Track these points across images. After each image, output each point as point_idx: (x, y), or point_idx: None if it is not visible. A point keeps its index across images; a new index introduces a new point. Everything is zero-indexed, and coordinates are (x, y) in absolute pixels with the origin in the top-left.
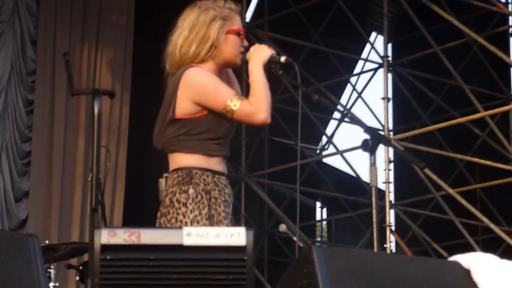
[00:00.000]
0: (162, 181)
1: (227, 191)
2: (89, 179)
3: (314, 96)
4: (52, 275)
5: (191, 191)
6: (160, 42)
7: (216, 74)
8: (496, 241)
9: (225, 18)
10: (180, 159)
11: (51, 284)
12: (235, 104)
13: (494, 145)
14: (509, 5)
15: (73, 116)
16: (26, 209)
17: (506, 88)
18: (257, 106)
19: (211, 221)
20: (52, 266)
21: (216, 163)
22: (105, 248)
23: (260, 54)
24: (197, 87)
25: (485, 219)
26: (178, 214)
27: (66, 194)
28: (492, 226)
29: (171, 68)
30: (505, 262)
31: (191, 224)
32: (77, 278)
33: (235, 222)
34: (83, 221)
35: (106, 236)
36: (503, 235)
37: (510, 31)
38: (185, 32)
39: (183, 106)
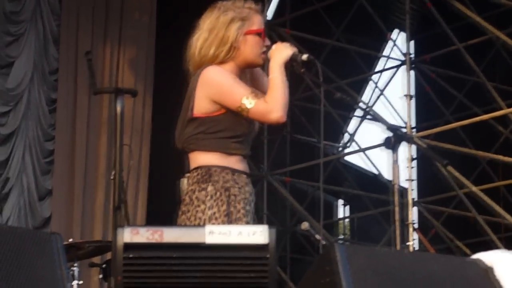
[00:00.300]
0: (183, 181)
1: (248, 189)
2: (112, 177)
3: (336, 94)
4: (76, 273)
5: (209, 188)
6: (182, 41)
7: (237, 75)
8: None
9: (244, 18)
10: (199, 158)
11: (75, 282)
12: (250, 102)
13: None
14: None
15: (95, 114)
16: (50, 207)
17: None
18: (272, 105)
19: (230, 218)
20: (75, 264)
21: (236, 162)
22: (128, 246)
23: (282, 52)
24: (214, 85)
25: (508, 217)
26: (197, 211)
27: (89, 192)
28: None
29: (193, 69)
30: None
31: (209, 221)
32: (100, 276)
33: (258, 220)
34: (106, 220)
35: (129, 235)
36: None
37: None
38: (205, 34)
39: (201, 104)
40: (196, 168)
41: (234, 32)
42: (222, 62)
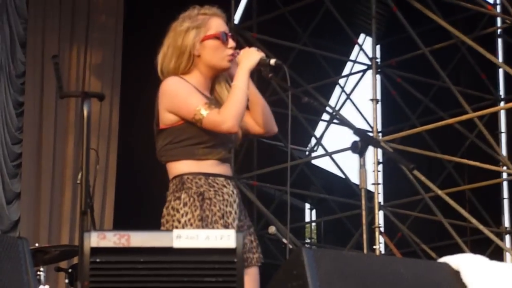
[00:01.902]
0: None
1: (227, 191)
2: (78, 181)
3: (303, 98)
4: (42, 278)
5: (183, 196)
6: (150, 44)
7: (203, 83)
8: (485, 242)
9: (199, 26)
10: (172, 169)
11: (41, 287)
12: (202, 113)
13: (483, 146)
14: (497, 6)
15: (62, 118)
16: (18, 210)
17: (494, 89)
18: (224, 115)
19: (205, 222)
20: (42, 269)
21: (210, 166)
22: (95, 251)
23: (249, 58)
24: (169, 96)
25: (473, 220)
26: (173, 221)
27: (56, 196)
28: (481, 227)
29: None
30: (494, 263)
31: (184, 228)
32: (67, 281)
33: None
34: (73, 224)
35: (96, 239)
36: (491, 236)
37: (498, 32)
38: (164, 49)
39: (164, 116)
40: (172, 179)
41: (190, 41)
42: (186, 73)
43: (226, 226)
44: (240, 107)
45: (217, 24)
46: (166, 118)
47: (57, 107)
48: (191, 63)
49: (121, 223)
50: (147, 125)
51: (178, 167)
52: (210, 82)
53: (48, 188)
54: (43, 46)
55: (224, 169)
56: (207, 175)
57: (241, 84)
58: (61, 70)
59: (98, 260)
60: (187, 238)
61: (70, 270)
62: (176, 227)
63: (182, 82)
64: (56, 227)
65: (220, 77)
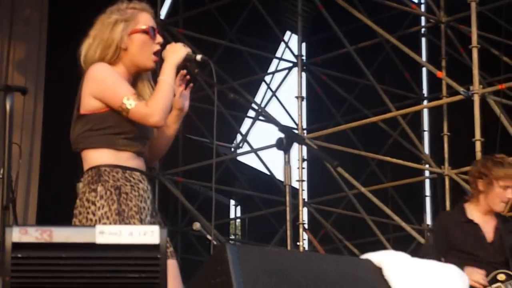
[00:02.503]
0: (79, 185)
1: (142, 186)
2: (0, 176)
3: (229, 95)
4: None
5: (99, 188)
6: (75, 38)
7: (127, 78)
8: (407, 239)
9: (128, 19)
10: (89, 158)
11: None
12: (130, 103)
13: (406, 144)
14: (422, 6)
15: None
16: None
17: (417, 88)
18: (152, 108)
19: (121, 216)
20: None
21: (127, 159)
22: (17, 246)
23: (175, 53)
24: (97, 82)
25: (396, 218)
26: (88, 213)
27: None
28: (403, 224)
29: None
30: (416, 260)
31: (100, 221)
32: None
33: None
34: None
35: (17, 234)
36: (413, 233)
37: (422, 32)
38: (89, 40)
39: (87, 102)
40: (88, 170)
41: (118, 34)
42: (110, 64)
43: (141, 221)
44: (167, 102)
45: (145, 19)
46: (90, 104)
47: None
48: (116, 56)
49: (45, 219)
50: (71, 120)
51: (95, 157)
52: (132, 78)
53: None
54: None
55: (140, 163)
56: (124, 168)
57: (168, 79)
58: None
59: (19, 255)
60: (110, 234)
61: None
62: (91, 220)
63: (112, 69)
64: None
65: (143, 74)
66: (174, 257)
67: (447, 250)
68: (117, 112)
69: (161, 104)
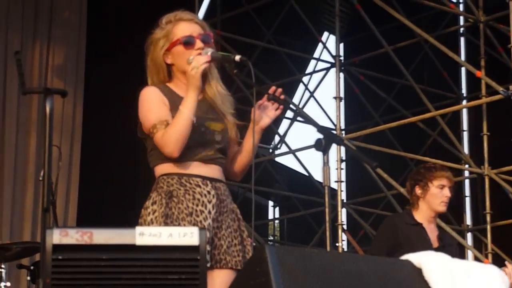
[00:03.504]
0: None
1: (200, 190)
2: (41, 178)
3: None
4: (3, 275)
5: (153, 194)
6: (113, 41)
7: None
8: None
9: (166, 34)
10: (155, 173)
11: (2, 284)
12: (154, 132)
13: (445, 144)
14: (460, 5)
15: (25, 115)
16: None
17: (456, 88)
18: (165, 140)
19: (170, 219)
20: (3, 266)
21: (187, 167)
22: (57, 248)
23: (192, 77)
24: (139, 107)
25: None
26: (143, 219)
27: (18, 193)
28: (442, 224)
29: None
30: (456, 260)
31: (148, 225)
32: (28, 278)
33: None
34: (35, 221)
35: (58, 236)
36: (453, 233)
37: (461, 31)
38: (148, 62)
39: (140, 125)
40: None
41: (159, 52)
42: (169, 81)
43: (195, 224)
44: (181, 134)
45: (182, 29)
46: (141, 127)
47: (20, 103)
48: (170, 71)
49: (85, 221)
50: (111, 122)
51: (158, 170)
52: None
53: (10, 185)
54: (6, 42)
55: (205, 170)
56: (180, 175)
57: (185, 110)
58: (24, 67)
59: (60, 257)
60: (150, 235)
61: (32, 267)
62: (141, 224)
63: (151, 94)
64: (18, 224)
65: (209, 77)
66: (237, 267)
67: (393, 250)
68: None
69: (173, 136)
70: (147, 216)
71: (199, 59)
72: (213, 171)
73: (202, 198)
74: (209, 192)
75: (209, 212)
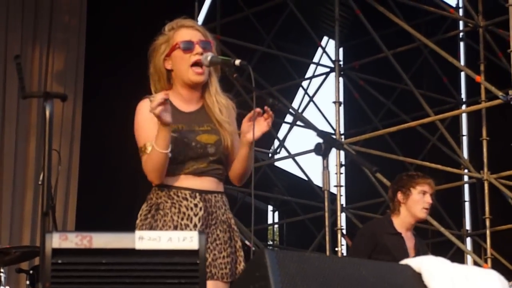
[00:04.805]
0: None
1: (186, 203)
2: (40, 182)
3: (268, 100)
4: (3, 279)
5: (143, 206)
6: (113, 45)
7: (188, 95)
8: (446, 244)
9: (165, 41)
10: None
11: None
12: (142, 152)
13: (445, 149)
14: (460, 10)
15: (24, 119)
16: None
17: (456, 93)
18: (144, 167)
19: (154, 230)
20: (2, 270)
21: (177, 180)
22: (57, 252)
23: (155, 115)
24: (134, 120)
25: (435, 223)
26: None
27: (18, 197)
28: (442, 229)
29: None
30: (455, 265)
31: None
32: (28, 282)
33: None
34: (34, 225)
35: (57, 240)
36: (453, 238)
37: (460, 36)
38: (151, 70)
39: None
40: None
41: (160, 58)
42: (170, 88)
43: None
44: (155, 167)
45: (181, 35)
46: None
47: (19, 107)
48: (170, 78)
49: (84, 225)
50: (110, 126)
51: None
52: (195, 93)
53: (10, 189)
54: (6, 46)
55: (196, 182)
56: (170, 187)
57: (157, 147)
58: (24, 71)
59: (59, 261)
60: (149, 239)
61: (31, 272)
62: None
63: (144, 110)
64: (17, 228)
65: (209, 85)
66: (223, 279)
67: (370, 258)
68: None
69: (149, 167)
70: (137, 227)
71: (156, 97)
72: (205, 183)
73: (188, 212)
74: (196, 205)
75: (195, 226)
